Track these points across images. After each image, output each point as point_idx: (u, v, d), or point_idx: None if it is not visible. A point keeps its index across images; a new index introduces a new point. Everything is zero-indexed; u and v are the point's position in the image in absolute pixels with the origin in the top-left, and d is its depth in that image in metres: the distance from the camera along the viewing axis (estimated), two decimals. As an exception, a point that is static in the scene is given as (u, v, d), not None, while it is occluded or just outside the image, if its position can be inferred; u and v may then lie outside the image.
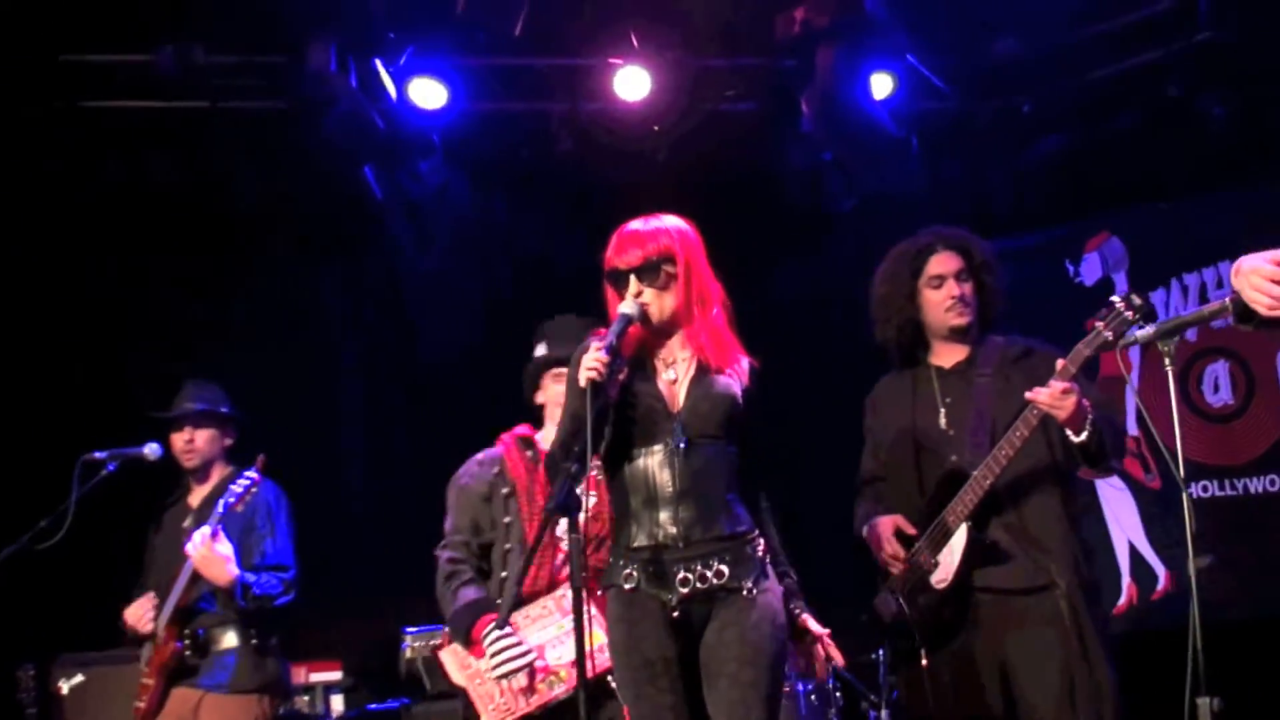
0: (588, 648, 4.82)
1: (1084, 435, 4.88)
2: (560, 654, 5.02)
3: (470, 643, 5.18)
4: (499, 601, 5.24)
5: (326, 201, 8.73)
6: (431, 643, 6.57)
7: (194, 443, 6.26)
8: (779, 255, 9.24)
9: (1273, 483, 8.12)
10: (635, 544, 4.47)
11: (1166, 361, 4.00)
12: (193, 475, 6.33)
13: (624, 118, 8.65)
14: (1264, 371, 8.14)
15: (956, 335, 5.24)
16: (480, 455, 5.50)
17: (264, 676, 6.07)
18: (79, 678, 7.64)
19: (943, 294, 5.21)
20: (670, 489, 4.43)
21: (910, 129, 8.91)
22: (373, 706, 7.55)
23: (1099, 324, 4.79)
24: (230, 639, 6.03)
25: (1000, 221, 9.56)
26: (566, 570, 5.04)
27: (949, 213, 9.57)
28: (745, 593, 4.38)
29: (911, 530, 5.12)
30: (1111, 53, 8.86)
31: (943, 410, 5.20)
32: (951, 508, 5.01)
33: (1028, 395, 4.84)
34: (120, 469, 6.17)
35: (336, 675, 7.72)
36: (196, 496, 6.34)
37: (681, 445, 4.44)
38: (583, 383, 4.30)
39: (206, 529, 5.82)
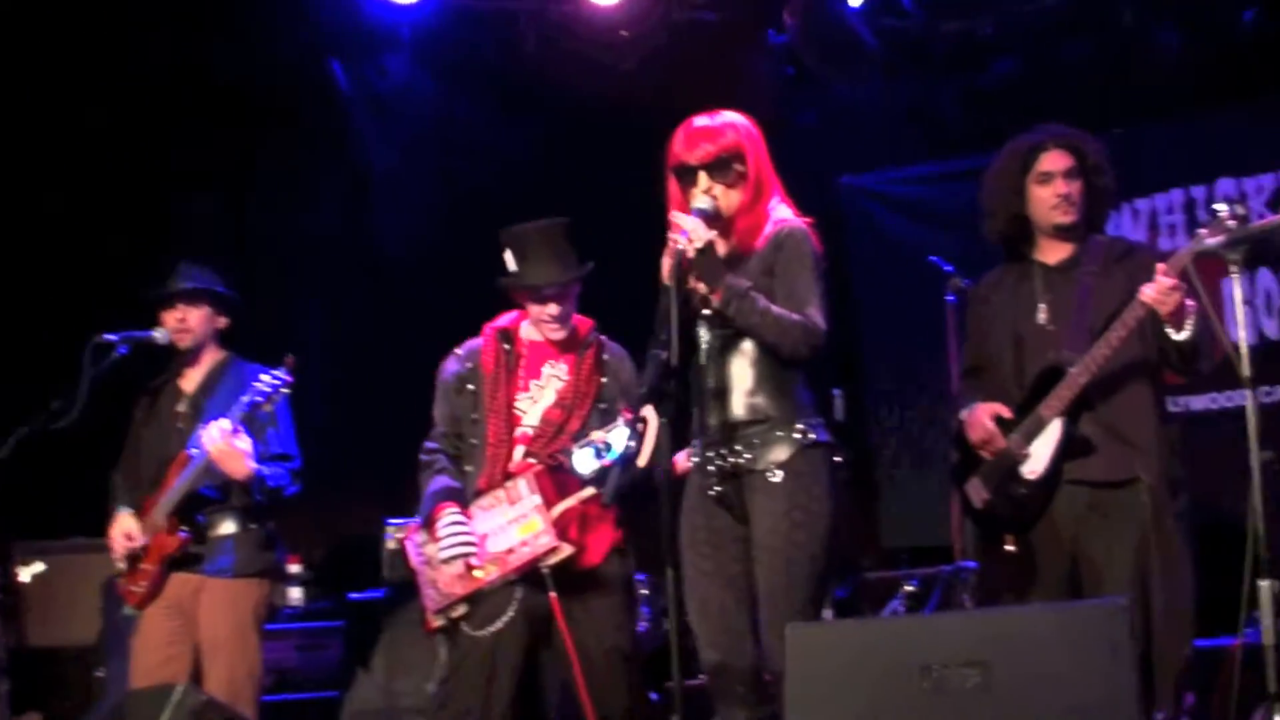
0: (522, 536, 5.05)
1: (1185, 334, 4.94)
2: (499, 542, 5.09)
3: (430, 526, 5.23)
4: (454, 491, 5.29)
5: (292, 93, 8.69)
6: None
7: (186, 321, 6.14)
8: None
9: (1213, 400, 8.43)
10: (692, 431, 4.64)
11: (1233, 270, 4.06)
12: (185, 357, 6.27)
13: (593, 21, 8.66)
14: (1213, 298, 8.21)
15: (1062, 233, 5.27)
16: (462, 346, 5.49)
17: (264, 561, 6.07)
18: (39, 566, 7.73)
19: (1050, 191, 5.23)
20: (708, 381, 4.58)
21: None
22: (354, 596, 7.66)
23: (1201, 231, 4.89)
24: (229, 525, 6.01)
25: (950, 142, 9.73)
26: (524, 463, 5.17)
27: (902, 128, 9.87)
28: (770, 476, 4.51)
29: (1008, 414, 5.20)
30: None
31: (1043, 306, 5.25)
32: (1047, 402, 5.07)
33: (1140, 292, 4.93)
34: (131, 352, 6.13)
35: (295, 568, 7.81)
36: (189, 381, 6.25)
37: (711, 340, 4.58)
38: (670, 255, 4.37)
39: (226, 422, 5.77)
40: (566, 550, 5.04)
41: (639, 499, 4.90)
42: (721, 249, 4.58)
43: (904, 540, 8.70)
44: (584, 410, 5.26)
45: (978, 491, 5.27)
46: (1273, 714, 3.80)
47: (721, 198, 4.54)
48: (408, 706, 7.15)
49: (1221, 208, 4.86)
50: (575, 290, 5.33)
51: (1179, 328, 4.93)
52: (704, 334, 4.61)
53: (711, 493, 4.59)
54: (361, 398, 8.78)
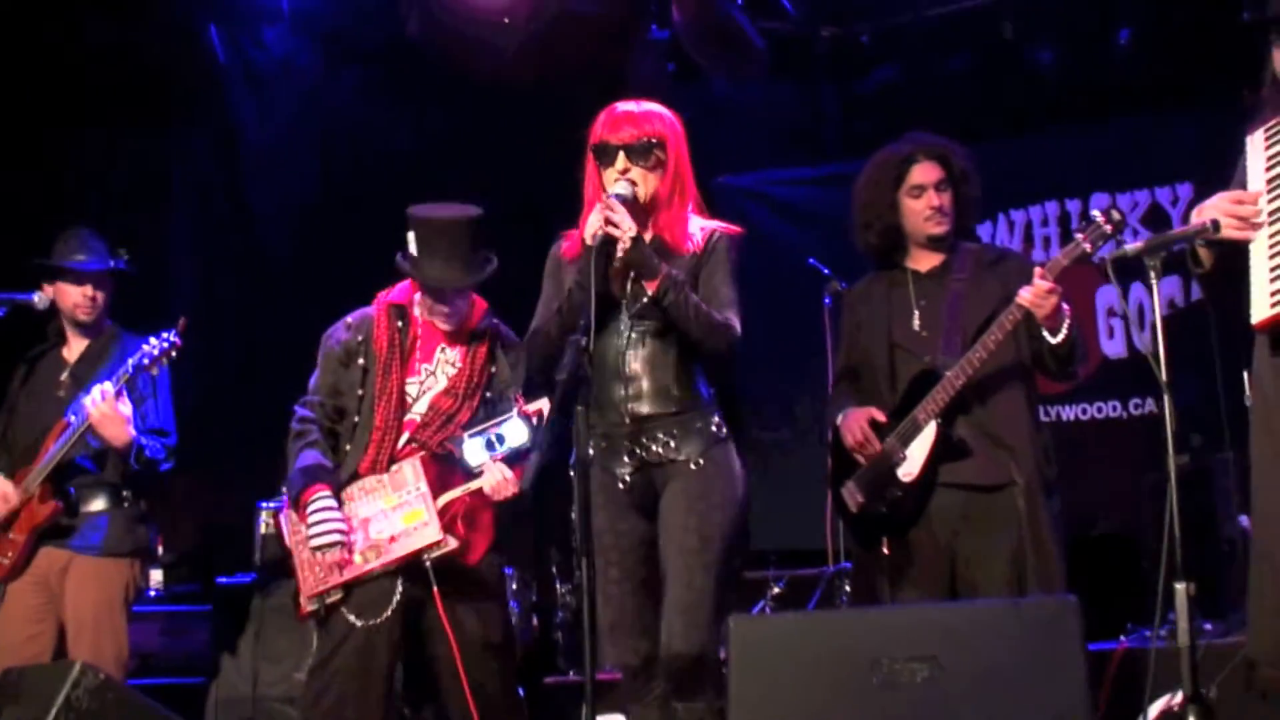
0: (406, 524, 4.96)
1: (1060, 336, 5.05)
2: (382, 528, 4.99)
3: (299, 508, 5.08)
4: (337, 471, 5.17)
5: (168, 60, 8.48)
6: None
7: (96, 300, 6.03)
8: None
9: (1083, 411, 8.66)
10: (593, 422, 4.55)
11: (1153, 275, 4.14)
12: (78, 329, 6.13)
13: (476, 5, 8.55)
14: (1084, 310, 8.43)
15: (934, 243, 5.36)
16: (353, 315, 5.32)
17: (135, 540, 5.93)
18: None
19: (922, 203, 5.31)
20: (622, 369, 4.55)
21: (757, 44, 8.96)
22: (222, 580, 7.47)
23: (1078, 236, 4.99)
24: (101, 501, 5.88)
25: (828, 147, 9.81)
26: (409, 448, 5.08)
27: (781, 131, 9.92)
28: (692, 465, 4.52)
29: (882, 418, 5.24)
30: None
31: (917, 312, 5.32)
32: (923, 405, 5.13)
33: (1018, 295, 4.98)
34: (7, 316, 5.96)
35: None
36: (73, 350, 6.12)
37: (629, 331, 4.56)
38: (589, 239, 4.36)
39: (108, 385, 5.64)
40: (451, 544, 4.96)
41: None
42: (645, 236, 4.57)
43: (772, 542, 8.71)
44: (475, 400, 5.18)
45: (853, 495, 5.30)
46: (1187, 715, 3.84)
47: (640, 182, 4.54)
48: (276, 695, 7.03)
49: (1097, 213, 4.99)
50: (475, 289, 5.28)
51: (1055, 331, 5.04)
52: (625, 322, 4.57)
53: (622, 484, 4.57)
54: (233, 376, 8.61)
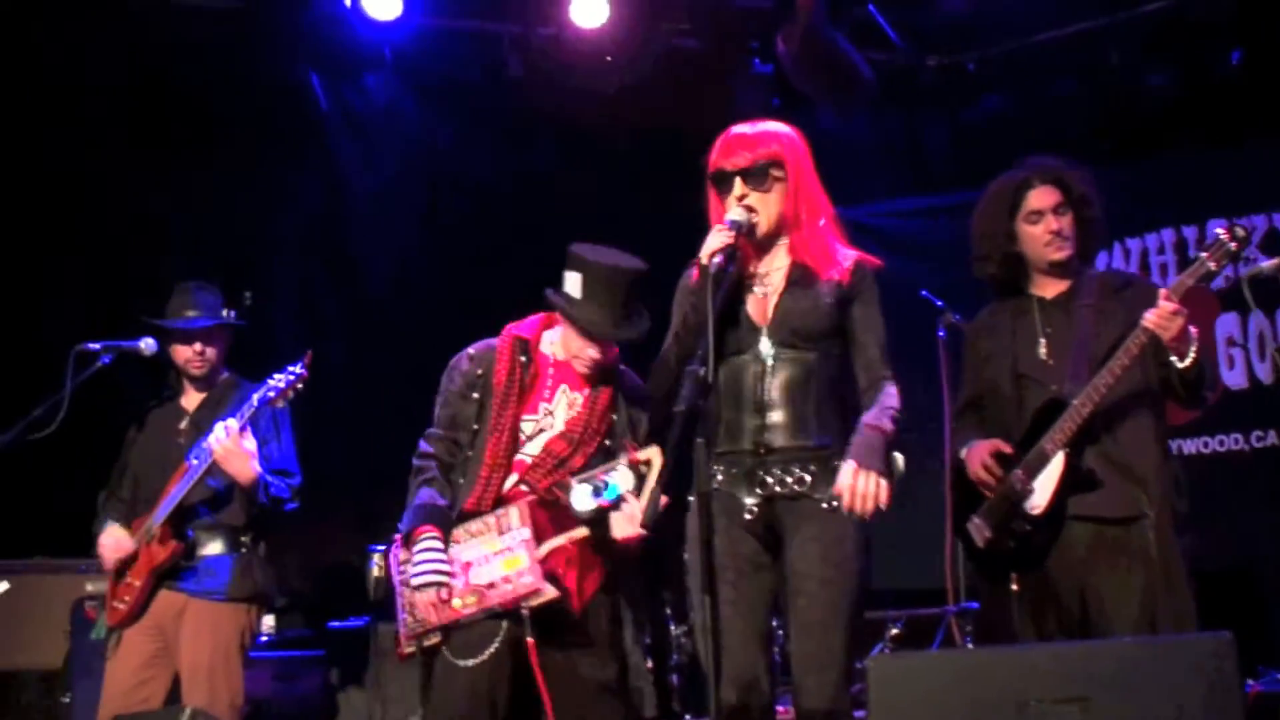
0: (505, 571, 4.78)
1: (1188, 360, 4.89)
2: (481, 574, 4.83)
3: (407, 546, 4.95)
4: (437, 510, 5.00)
5: (271, 109, 8.53)
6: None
7: (205, 354, 6.06)
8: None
9: (1205, 444, 8.43)
10: (720, 449, 4.45)
11: None
12: (193, 382, 6.14)
13: (578, 45, 8.55)
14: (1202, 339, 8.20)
15: (1056, 269, 5.23)
16: (476, 346, 5.13)
17: (254, 585, 5.89)
18: (3, 585, 7.48)
19: (1041, 229, 5.18)
20: (759, 397, 4.42)
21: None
22: (335, 624, 7.44)
23: (1203, 255, 4.83)
24: (219, 545, 5.86)
25: (937, 177, 9.67)
26: (517, 489, 4.92)
27: (888, 163, 9.81)
28: (825, 505, 4.35)
29: (1008, 449, 5.11)
30: (1057, 17, 8.95)
31: (1043, 340, 5.19)
32: (1050, 435, 4.99)
33: (1144, 317, 4.84)
34: (114, 362, 5.97)
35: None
36: (191, 400, 6.13)
37: (769, 358, 4.43)
38: (705, 259, 4.25)
39: (233, 422, 5.63)
40: (550, 593, 4.75)
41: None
42: (777, 266, 4.49)
43: (888, 582, 8.57)
44: (591, 446, 4.94)
45: (979, 530, 5.15)
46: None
47: (759, 206, 4.42)
48: (393, 740, 6.97)
49: (1221, 232, 4.82)
50: None
51: (1182, 355, 4.88)
52: (765, 348, 4.45)
53: (748, 514, 4.42)
54: (342, 422, 8.59)
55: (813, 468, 4.39)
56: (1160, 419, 5.12)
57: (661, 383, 4.54)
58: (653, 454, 4.63)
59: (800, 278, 4.46)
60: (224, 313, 6.15)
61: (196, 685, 5.71)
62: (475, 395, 5.05)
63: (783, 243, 4.51)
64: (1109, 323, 5.09)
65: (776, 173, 4.45)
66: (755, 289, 4.47)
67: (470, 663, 4.86)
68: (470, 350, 5.14)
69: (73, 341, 5.92)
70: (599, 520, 4.74)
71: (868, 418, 4.36)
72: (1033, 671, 3.85)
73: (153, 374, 6.22)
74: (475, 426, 5.04)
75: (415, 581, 4.87)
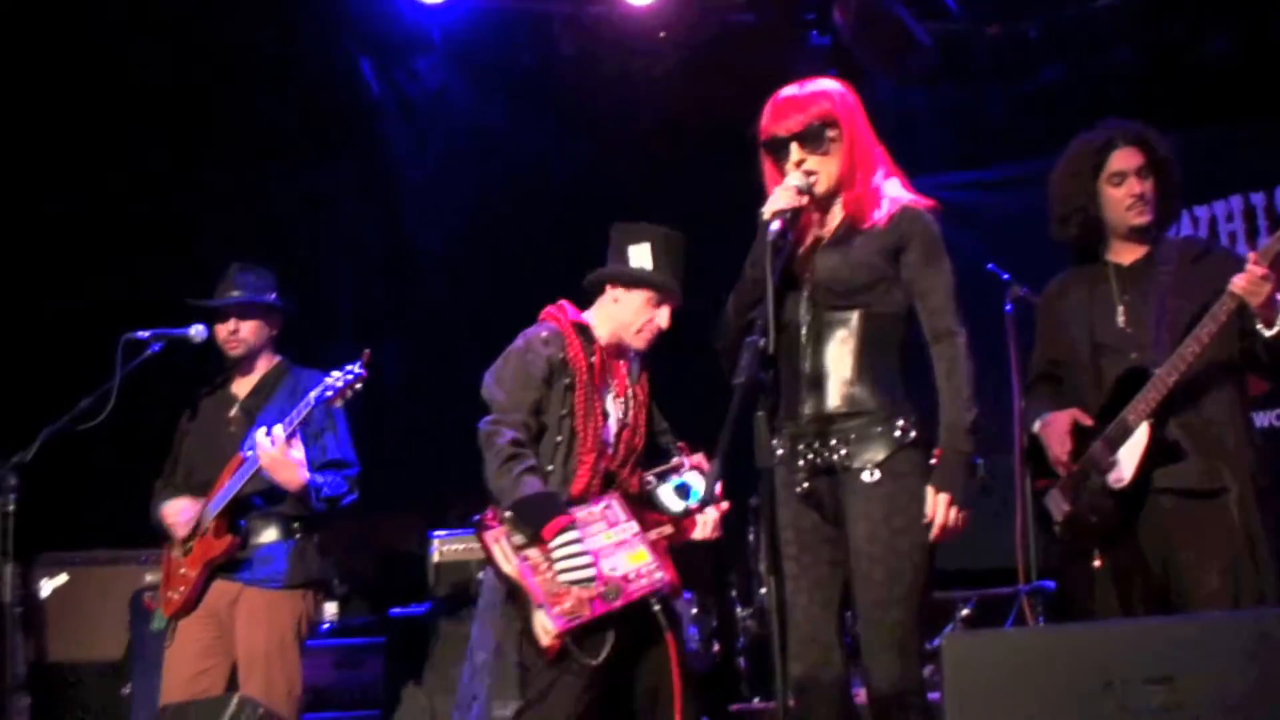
0: (633, 564, 4.80)
1: (1276, 328, 4.72)
2: (614, 565, 4.81)
3: (538, 540, 4.85)
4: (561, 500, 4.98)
5: (321, 94, 8.50)
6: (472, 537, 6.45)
7: (239, 333, 5.96)
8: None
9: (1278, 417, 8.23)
10: (781, 420, 4.30)
11: None
12: (237, 363, 6.07)
13: (630, 23, 8.47)
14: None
15: (1136, 234, 5.08)
16: (540, 332, 5.12)
17: (309, 572, 5.81)
18: (62, 578, 7.47)
19: (1124, 191, 5.04)
20: (802, 365, 4.26)
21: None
22: (396, 611, 7.37)
23: None
24: (273, 533, 5.78)
25: (995, 148, 9.52)
26: (615, 471, 4.98)
27: (947, 134, 9.67)
28: (866, 475, 4.16)
29: (1088, 421, 4.98)
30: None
31: (1121, 308, 5.05)
32: (1132, 406, 4.85)
33: (1231, 283, 4.67)
34: (164, 350, 5.90)
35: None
36: (242, 386, 6.06)
37: (813, 321, 4.27)
38: (767, 215, 4.10)
39: (279, 430, 5.56)
40: (677, 588, 4.89)
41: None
42: (832, 225, 4.32)
43: (955, 562, 8.45)
44: (644, 430, 5.04)
45: (1058, 505, 5.03)
46: None
47: (819, 169, 4.25)
48: (454, 727, 6.88)
49: None
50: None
51: (1270, 323, 4.70)
52: (803, 313, 4.27)
53: (799, 489, 4.24)
54: (398, 408, 8.54)
55: (853, 436, 4.19)
56: (1242, 390, 4.99)
57: (720, 339, 4.37)
58: (698, 459, 4.88)
59: (844, 233, 4.29)
60: (268, 295, 6.05)
61: (253, 674, 5.65)
62: (566, 381, 5.04)
63: (839, 201, 4.34)
64: (1189, 290, 4.93)
65: (831, 133, 4.27)
66: (805, 245, 4.33)
67: (591, 661, 4.79)
68: (540, 334, 5.12)
69: (125, 332, 5.87)
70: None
71: (947, 421, 4.16)
72: (1118, 649, 3.62)
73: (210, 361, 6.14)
74: (563, 411, 5.02)
75: (574, 576, 4.80)
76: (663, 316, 5.07)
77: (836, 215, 4.34)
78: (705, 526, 4.83)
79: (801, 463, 4.25)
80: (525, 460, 4.91)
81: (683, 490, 4.83)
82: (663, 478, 4.86)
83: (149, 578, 7.11)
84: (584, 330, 5.10)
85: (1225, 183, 8.56)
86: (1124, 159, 5.05)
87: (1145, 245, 5.09)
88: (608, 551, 4.83)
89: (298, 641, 5.79)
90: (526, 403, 5.00)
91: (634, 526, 4.80)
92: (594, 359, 5.07)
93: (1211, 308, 4.75)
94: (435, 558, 7.08)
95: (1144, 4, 8.75)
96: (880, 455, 4.17)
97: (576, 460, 4.96)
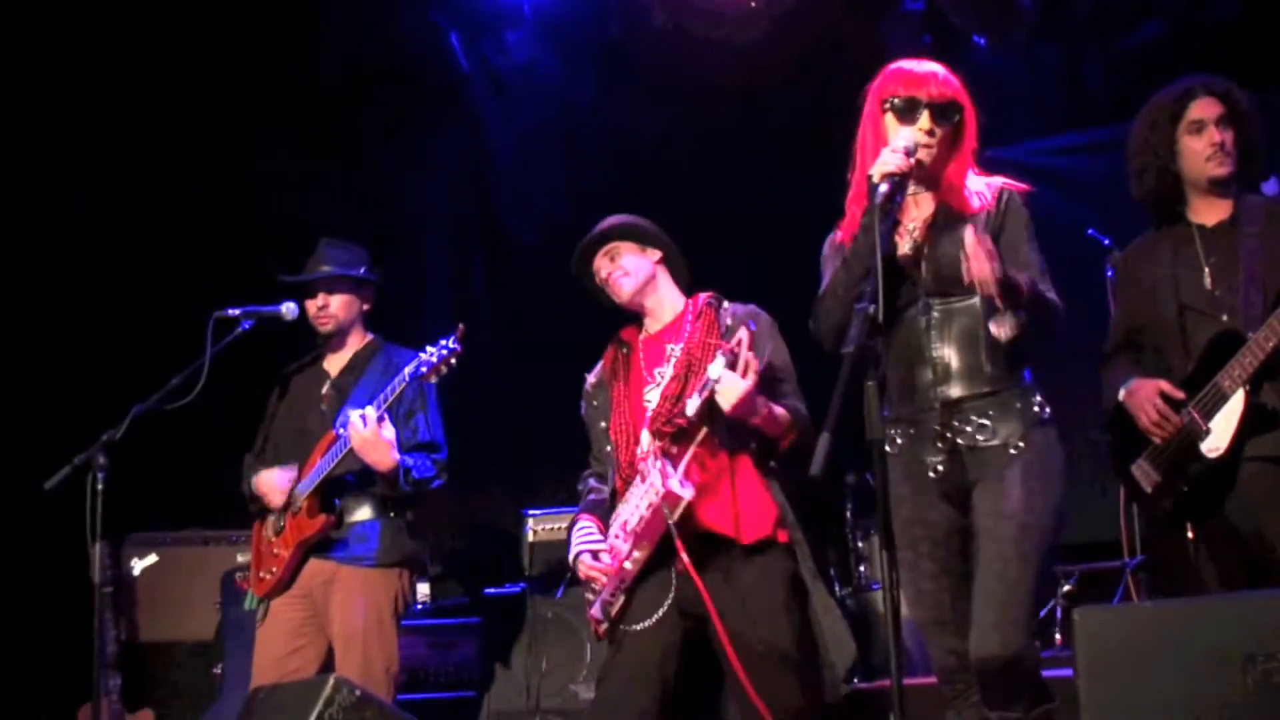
0: (648, 501, 4.75)
1: None
2: (634, 520, 4.79)
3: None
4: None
5: (412, 69, 8.44)
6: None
7: (328, 308, 5.91)
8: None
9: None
10: (897, 411, 4.24)
11: None
12: (329, 340, 6.02)
13: (721, -8, 8.34)
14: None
15: (1217, 187, 4.90)
16: (594, 371, 5.31)
17: (404, 550, 5.76)
18: (152, 558, 7.49)
19: (1204, 141, 4.85)
20: (927, 350, 4.18)
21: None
22: (490, 591, 7.32)
23: None
24: (366, 511, 5.74)
25: (1096, 110, 9.31)
26: (647, 450, 4.88)
27: (1045, 98, 9.48)
28: (1010, 449, 4.10)
29: (1179, 394, 4.80)
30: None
31: (1207, 269, 4.87)
32: (1227, 371, 4.69)
33: None
34: (255, 328, 5.88)
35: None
36: (334, 363, 6.02)
37: (932, 310, 4.19)
38: (877, 178, 3.98)
39: (371, 411, 5.49)
40: (686, 493, 4.66)
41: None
42: (925, 212, 4.22)
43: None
44: (700, 379, 4.82)
45: (1147, 475, 4.84)
46: None
47: (938, 144, 4.14)
48: (552, 708, 6.83)
49: None
50: (652, 273, 5.19)
51: None
52: (919, 301, 4.19)
53: (934, 472, 4.15)
54: (495, 386, 8.49)
55: (991, 412, 4.12)
56: None
57: (827, 320, 4.23)
58: (741, 335, 4.61)
59: (945, 222, 4.18)
60: (358, 269, 5.99)
61: (350, 653, 5.60)
62: (596, 404, 5.19)
63: (931, 191, 4.24)
64: (1278, 250, 4.76)
65: (959, 116, 4.17)
66: (907, 240, 4.21)
67: (638, 627, 4.81)
68: (588, 376, 5.31)
69: (217, 308, 5.85)
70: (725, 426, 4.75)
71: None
72: (1259, 622, 3.45)
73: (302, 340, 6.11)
74: (603, 424, 5.12)
75: (571, 556, 4.96)
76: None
77: (927, 205, 4.24)
78: (725, 395, 4.58)
79: (938, 444, 4.17)
80: (584, 491, 5.22)
81: (703, 387, 4.65)
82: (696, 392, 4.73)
83: (240, 558, 7.12)
84: (620, 340, 5.24)
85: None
86: (1203, 108, 4.85)
87: (1228, 201, 4.90)
88: (634, 510, 4.83)
89: (395, 620, 5.74)
90: (594, 451, 5.24)
91: (658, 464, 4.73)
92: (627, 358, 5.17)
93: None
94: (530, 537, 7.02)
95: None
96: (1019, 431, 4.10)
97: (615, 462, 5.02)
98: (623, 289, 5.12)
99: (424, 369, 5.42)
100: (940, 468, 4.16)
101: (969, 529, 4.13)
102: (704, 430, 4.76)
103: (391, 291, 6.18)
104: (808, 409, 4.93)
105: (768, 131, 8.68)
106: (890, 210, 4.03)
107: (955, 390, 4.15)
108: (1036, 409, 4.15)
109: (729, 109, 8.78)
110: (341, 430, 5.62)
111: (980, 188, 4.25)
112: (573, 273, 5.30)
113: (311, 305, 5.91)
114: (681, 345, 5.02)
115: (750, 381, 4.58)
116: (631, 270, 5.13)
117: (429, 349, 5.47)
